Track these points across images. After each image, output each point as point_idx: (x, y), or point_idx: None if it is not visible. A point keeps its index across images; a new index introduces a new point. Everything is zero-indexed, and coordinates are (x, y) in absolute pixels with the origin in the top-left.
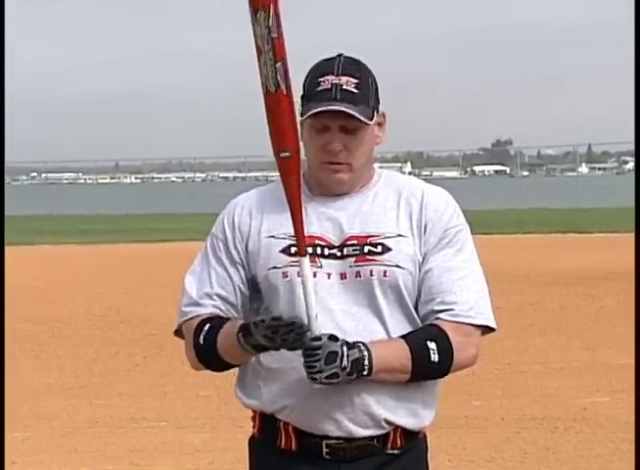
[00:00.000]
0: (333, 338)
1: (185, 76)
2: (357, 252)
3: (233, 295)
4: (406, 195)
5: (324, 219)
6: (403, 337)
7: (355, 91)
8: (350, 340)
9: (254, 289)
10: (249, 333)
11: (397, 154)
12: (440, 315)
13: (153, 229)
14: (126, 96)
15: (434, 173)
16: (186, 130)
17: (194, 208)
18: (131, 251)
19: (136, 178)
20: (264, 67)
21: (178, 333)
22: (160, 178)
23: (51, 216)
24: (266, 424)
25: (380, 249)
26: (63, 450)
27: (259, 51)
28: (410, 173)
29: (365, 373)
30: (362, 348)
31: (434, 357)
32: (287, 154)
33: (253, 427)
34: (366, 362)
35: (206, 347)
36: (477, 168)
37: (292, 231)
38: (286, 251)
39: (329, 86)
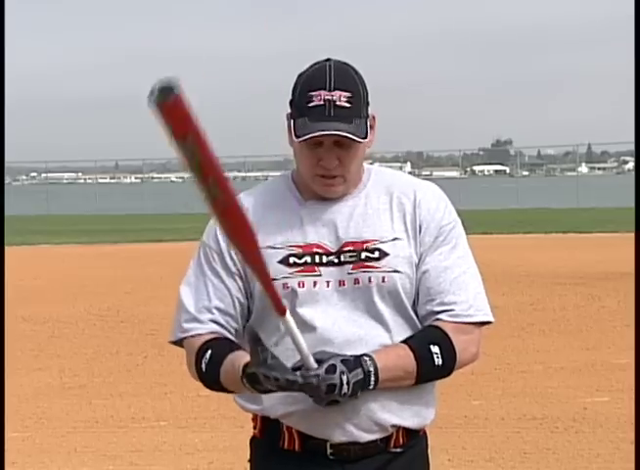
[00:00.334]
0: (331, 369)
1: (185, 77)
2: (354, 258)
3: (231, 306)
4: (398, 194)
5: (320, 226)
6: (406, 342)
7: (348, 105)
8: (355, 350)
9: (254, 338)
10: (257, 382)
11: (397, 154)
12: (440, 316)
13: (153, 229)
14: (126, 96)
15: (434, 173)
16: None
17: (194, 208)
18: (131, 251)
19: (136, 178)
20: (198, 185)
21: (176, 343)
22: (160, 178)
23: (51, 216)
24: (268, 426)
25: (377, 254)
26: (63, 450)
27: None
28: (410, 173)
29: (371, 388)
30: (368, 363)
31: (438, 361)
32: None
33: (254, 428)
34: (372, 379)
35: (209, 378)
36: (476, 168)
37: (289, 239)
38: (284, 261)
39: (322, 102)
